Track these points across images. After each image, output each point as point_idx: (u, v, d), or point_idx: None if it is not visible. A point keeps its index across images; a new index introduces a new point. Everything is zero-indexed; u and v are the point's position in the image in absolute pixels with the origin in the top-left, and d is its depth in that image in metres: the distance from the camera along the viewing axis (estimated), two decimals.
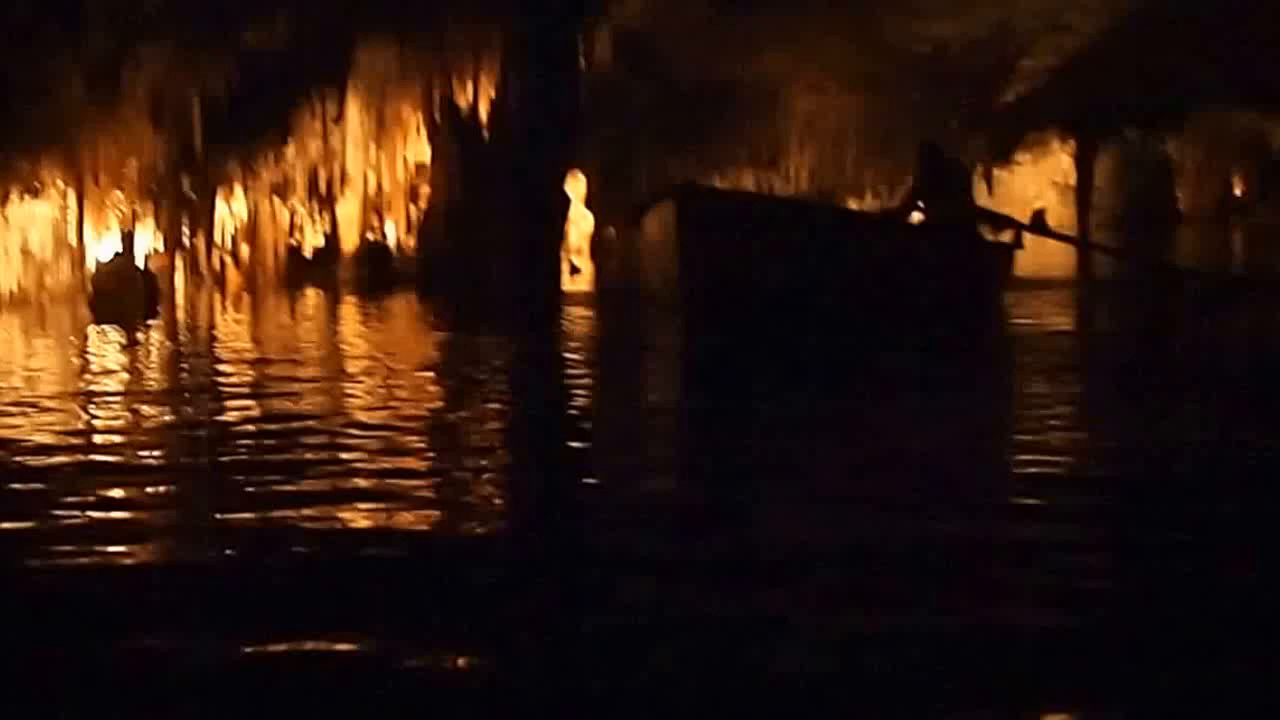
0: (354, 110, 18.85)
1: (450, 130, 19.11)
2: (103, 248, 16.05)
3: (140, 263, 16.42)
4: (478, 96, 19.08)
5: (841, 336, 9.19)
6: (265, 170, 18.30)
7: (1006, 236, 12.73)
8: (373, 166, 19.30)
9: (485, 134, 19.10)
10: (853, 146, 31.00)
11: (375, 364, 8.81)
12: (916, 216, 11.88)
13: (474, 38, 18.86)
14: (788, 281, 9.76)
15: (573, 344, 10.40)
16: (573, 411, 6.53)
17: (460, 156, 19.12)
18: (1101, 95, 30.58)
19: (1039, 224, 13.37)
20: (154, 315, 14.66)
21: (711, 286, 9.70)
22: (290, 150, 18.41)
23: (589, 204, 28.43)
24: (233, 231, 18.62)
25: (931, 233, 11.95)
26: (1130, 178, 35.61)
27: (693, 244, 9.72)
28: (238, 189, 18.08)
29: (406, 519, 3.84)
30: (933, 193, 11.99)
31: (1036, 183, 38.31)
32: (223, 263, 19.02)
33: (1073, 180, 36.13)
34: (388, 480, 4.38)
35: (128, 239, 16.07)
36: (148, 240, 16.84)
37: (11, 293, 15.80)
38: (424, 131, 19.25)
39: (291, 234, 20.04)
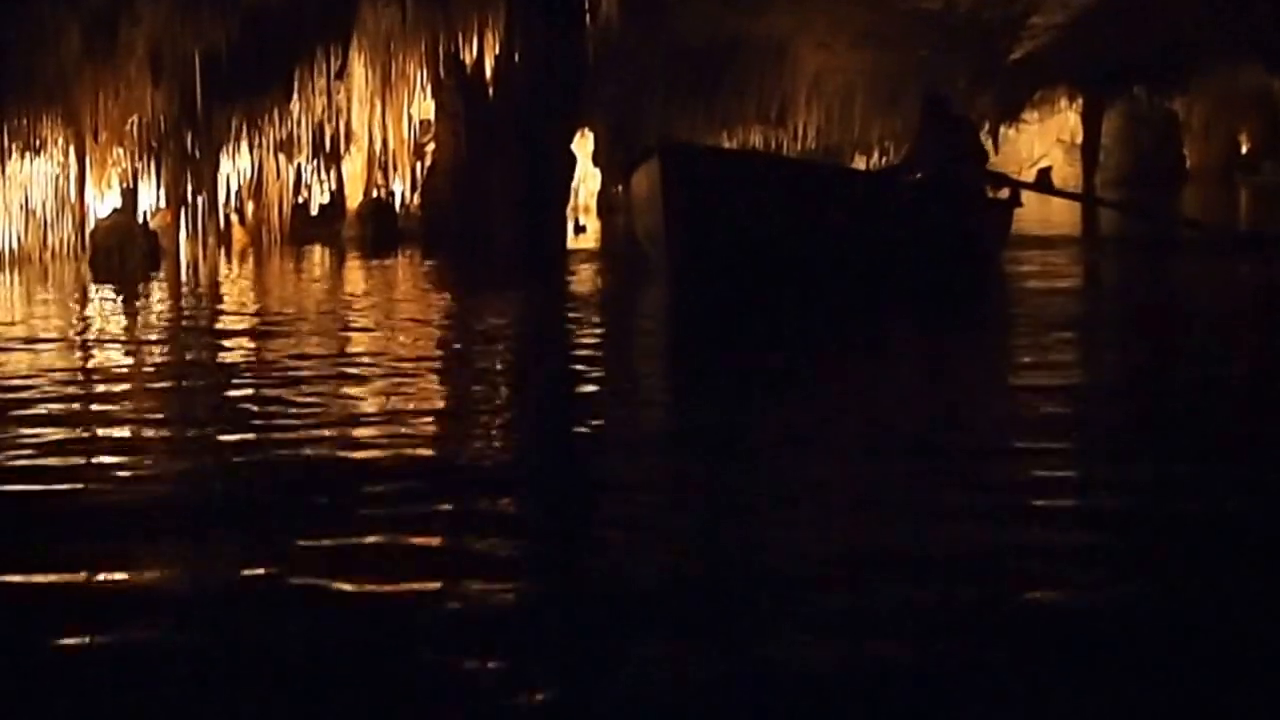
0: (358, 67, 18.50)
1: (455, 87, 18.74)
2: (105, 205, 15.74)
3: (143, 220, 16.14)
4: (483, 53, 18.71)
5: (830, 299, 8.87)
6: (269, 127, 17.96)
7: (1003, 194, 12.43)
8: (378, 124, 18.93)
9: (490, 91, 18.73)
10: (860, 104, 30.59)
11: (362, 320, 8.56)
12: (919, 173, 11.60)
13: None
14: (775, 242, 9.44)
15: (570, 303, 10.09)
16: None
17: (465, 114, 18.76)
18: (1109, 53, 30.16)
19: (1042, 182, 13.06)
20: (155, 272, 14.40)
21: (696, 248, 9.33)
22: (295, 107, 18.07)
23: (596, 162, 28.08)
24: (237, 189, 18.31)
25: (928, 190, 11.64)
26: (1137, 136, 35.26)
27: (676, 204, 9.30)
28: (242, 146, 17.73)
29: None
30: (936, 146, 11.66)
31: (1043, 141, 37.99)
32: (228, 220, 18.72)
33: (1079, 138, 35.77)
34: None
35: (128, 196, 15.74)
36: (150, 197, 16.52)
37: (13, 251, 15.51)
38: (429, 89, 18.88)
39: (298, 191, 19.74)
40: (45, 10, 14.04)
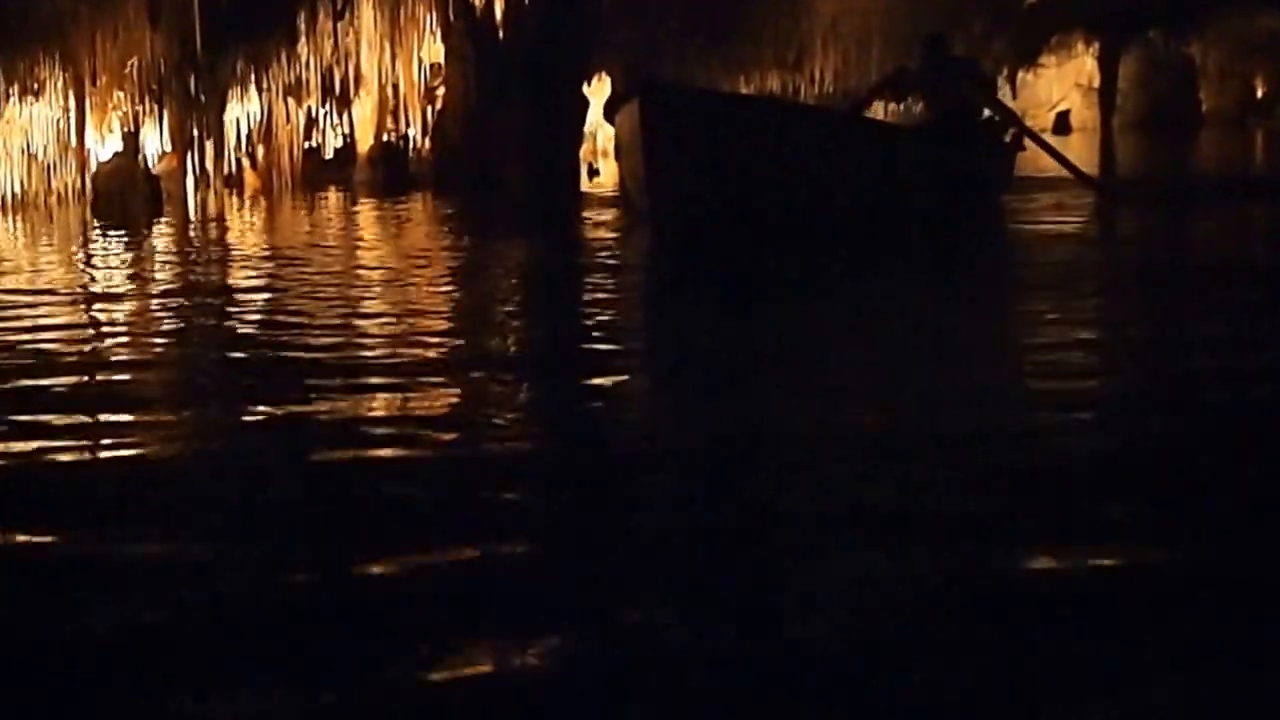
0: (367, 10, 17.89)
1: (464, 30, 18.12)
2: (106, 149, 15.21)
3: (153, 164, 15.63)
4: None
5: (824, 249, 8.16)
6: (278, 70, 17.39)
7: (1009, 136, 11.87)
8: (388, 67, 18.31)
9: (500, 34, 18.10)
10: (878, 47, 29.73)
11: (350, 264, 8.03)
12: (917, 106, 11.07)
13: None
14: (766, 188, 8.78)
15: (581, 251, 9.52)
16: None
17: (475, 57, 18.15)
18: None
19: (1035, 134, 12.44)
20: (159, 217, 13.93)
21: (679, 194, 8.53)
22: (303, 50, 17.49)
23: (607, 109, 27.34)
24: (247, 133, 17.77)
25: (928, 134, 11.06)
26: (1154, 80, 34.47)
27: (657, 149, 8.57)
28: (251, 90, 17.17)
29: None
30: (936, 87, 11.07)
31: (1061, 85, 37.24)
32: (239, 164, 18.22)
33: (1097, 82, 35.04)
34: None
35: (130, 140, 15.19)
36: (155, 142, 15.98)
37: (15, 195, 15.01)
38: (439, 32, 18.25)
39: (310, 136, 19.23)
40: None
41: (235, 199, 16.64)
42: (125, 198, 14.59)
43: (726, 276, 7.17)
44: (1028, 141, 11.94)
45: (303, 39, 17.47)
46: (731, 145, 8.55)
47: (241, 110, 17.40)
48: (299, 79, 17.64)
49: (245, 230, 12.09)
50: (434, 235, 11.11)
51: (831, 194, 9.01)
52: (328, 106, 18.56)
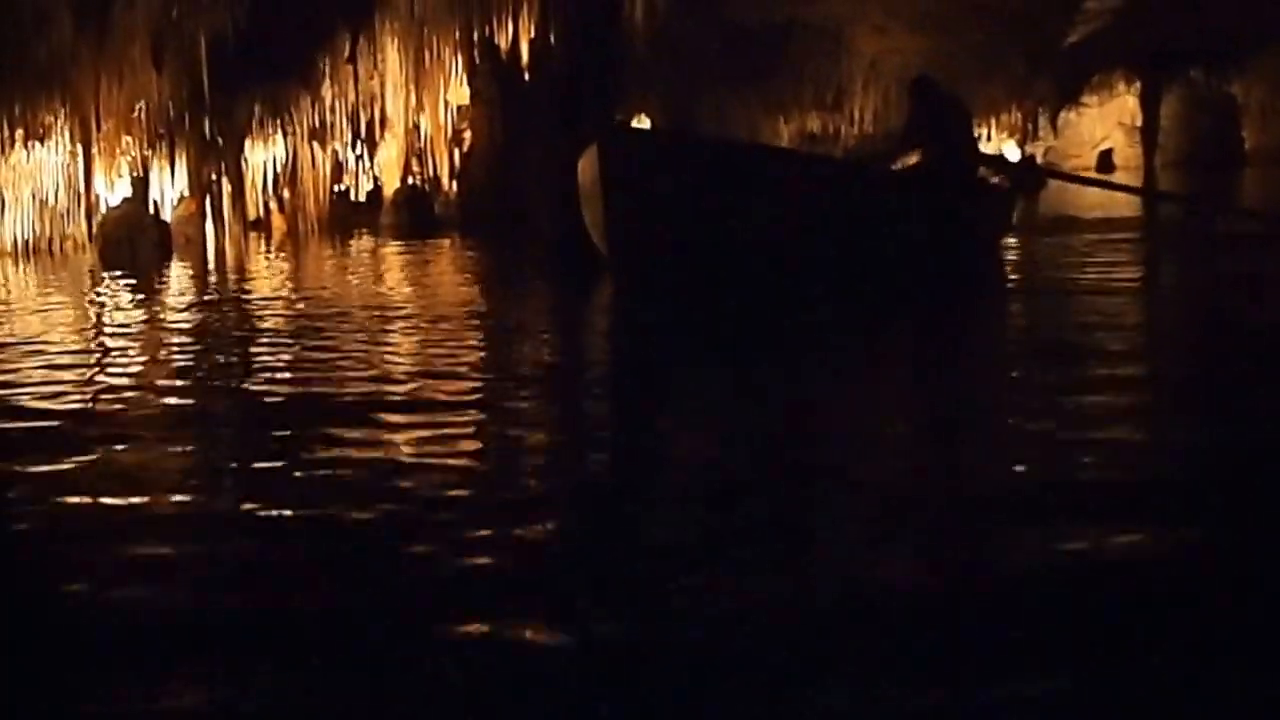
0: (392, 53, 16.97)
1: (490, 72, 17.19)
2: (116, 195, 14.30)
3: (164, 209, 14.73)
4: (518, 37, 17.12)
5: (800, 304, 7.07)
6: (301, 113, 16.49)
7: (1001, 180, 10.78)
8: (413, 109, 17.38)
9: (526, 75, 17.16)
10: None
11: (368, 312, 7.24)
12: (911, 159, 9.96)
13: None
14: (736, 240, 7.69)
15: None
16: None
17: (500, 99, 17.22)
18: (1165, 37, 28.04)
19: (1051, 169, 11.35)
20: (168, 263, 13.04)
21: (641, 247, 7.45)
22: (327, 93, 16.60)
23: None
24: (274, 176, 16.87)
25: (915, 179, 9.96)
26: (1196, 119, 33.15)
27: (617, 198, 7.53)
28: (275, 133, 16.26)
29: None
30: (927, 133, 9.97)
31: (1104, 124, 36.04)
32: (266, 208, 17.34)
33: (1139, 121, 33.82)
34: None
35: (138, 184, 14.27)
36: (171, 186, 15.06)
37: (26, 241, 14.14)
38: (465, 74, 17.33)
39: (339, 179, 18.36)
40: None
41: (261, 242, 15.75)
42: (134, 244, 13.69)
43: (687, 333, 6.21)
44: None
45: (326, 81, 16.57)
46: (697, 192, 7.49)
47: (265, 154, 16.50)
48: (323, 122, 16.73)
49: (256, 275, 11.16)
50: (442, 281, 10.16)
51: (812, 243, 7.94)
52: (357, 150, 17.68)
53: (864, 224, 8.29)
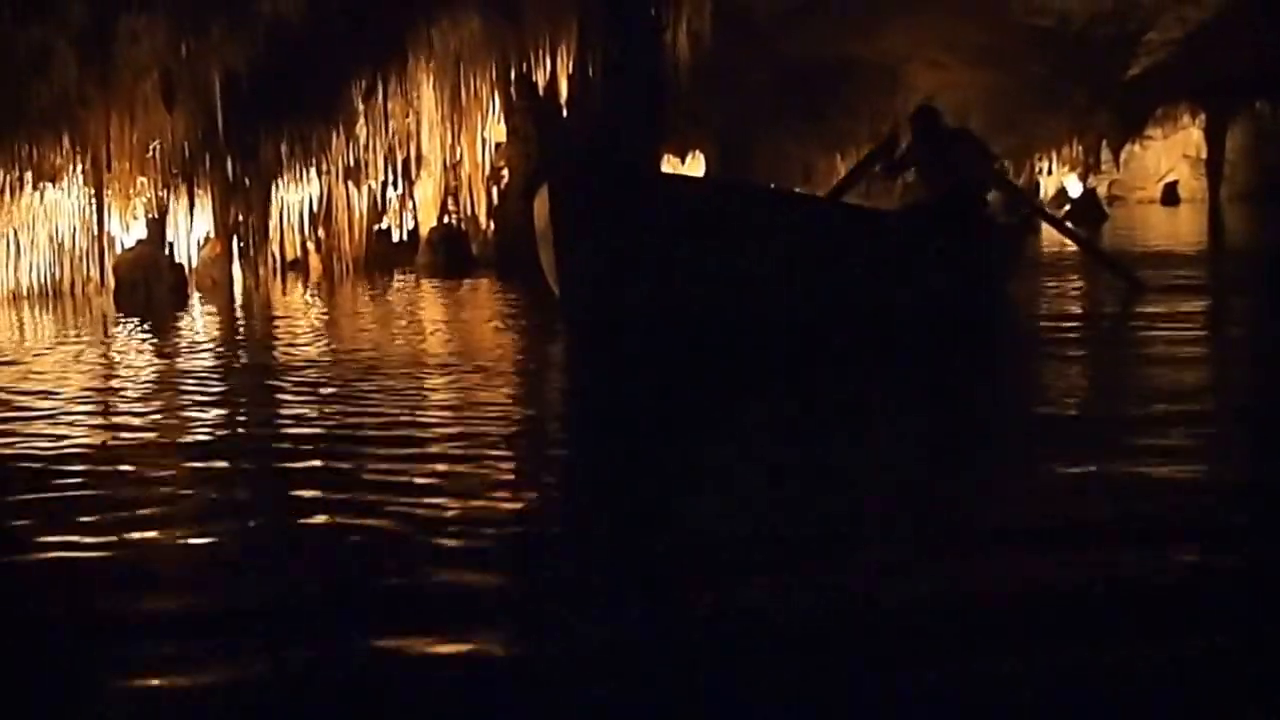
0: (427, 90, 16.03)
1: (526, 109, 16.22)
2: (131, 237, 13.42)
3: (179, 251, 13.84)
4: (555, 73, 16.13)
5: (771, 360, 6.14)
6: (335, 152, 15.57)
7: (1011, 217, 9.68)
8: (450, 147, 16.40)
9: (564, 112, 16.16)
10: (976, 123, 27.35)
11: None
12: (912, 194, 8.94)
13: (549, 7, 15.88)
14: (703, 290, 6.58)
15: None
16: None
17: (538, 136, 16.25)
18: (1228, 68, 26.60)
19: (1051, 217, 10.22)
20: (185, 307, 12.16)
21: (598, 298, 6.49)
22: (361, 131, 15.68)
23: None
24: (309, 216, 15.96)
25: (918, 216, 8.85)
26: (1262, 151, 31.65)
27: (571, 241, 6.49)
28: (301, 172, 15.33)
29: None
30: (932, 163, 8.86)
31: (1169, 157, 34.70)
32: (304, 249, 16.45)
33: (1205, 154, 32.40)
34: None
35: (153, 226, 13.37)
36: (190, 228, 14.15)
37: (41, 284, 13.31)
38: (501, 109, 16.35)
39: (380, 218, 17.45)
40: (35, 34, 11.68)
41: (298, 284, 14.87)
42: (149, 287, 12.81)
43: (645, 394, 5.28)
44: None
45: (360, 119, 15.66)
46: (663, 237, 6.43)
47: (296, 193, 15.59)
48: (358, 160, 15.81)
49: (272, 321, 10.24)
50: (460, 324, 9.20)
51: (790, 290, 6.87)
52: (398, 188, 16.75)
53: (859, 272, 7.24)
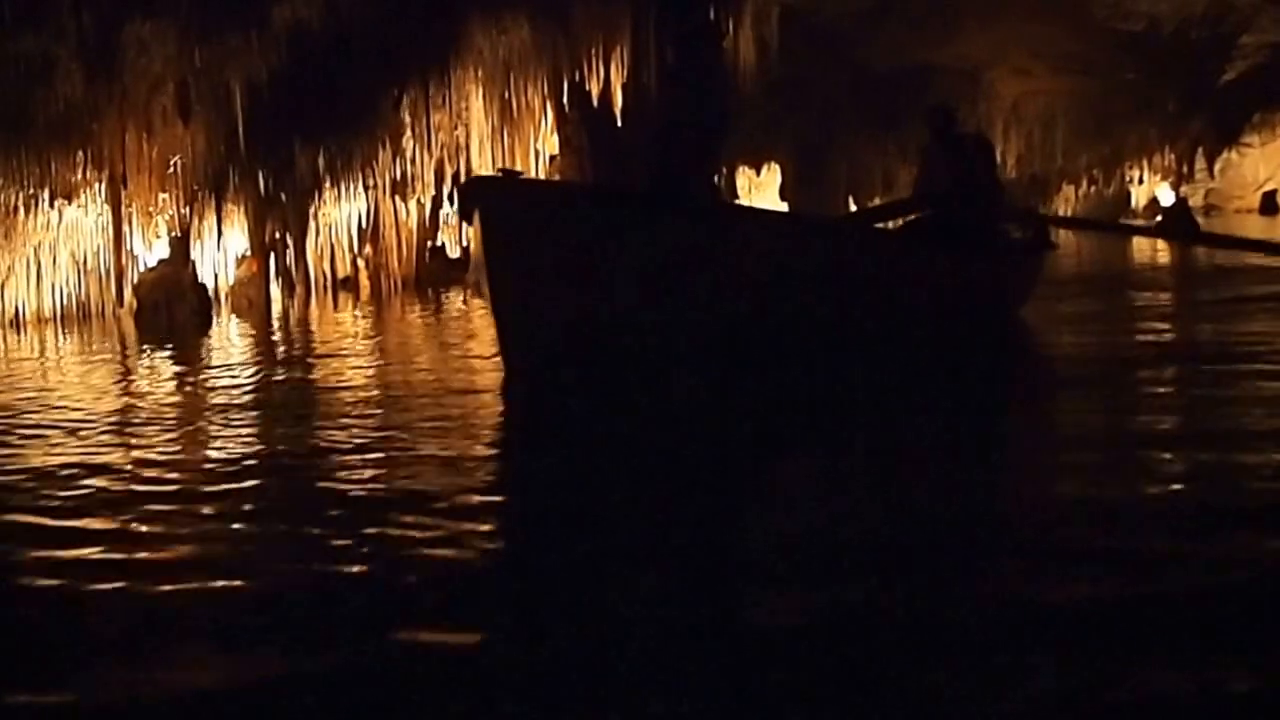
0: (475, 101, 15.05)
1: (579, 119, 15.18)
2: (154, 256, 12.54)
3: (210, 270, 12.96)
4: (609, 81, 15.09)
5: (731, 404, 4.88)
6: (384, 167, 14.64)
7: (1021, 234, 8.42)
8: (501, 160, 15.37)
9: (619, 121, 15.10)
10: (1064, 130, 25.97)
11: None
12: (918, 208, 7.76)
13: (602, 12, 14.84)
14: (650, 317, 5.38)
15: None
16: None
17: (590, 147, 15.21)
18: None
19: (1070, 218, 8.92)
20: (209, 329, 11.27)
21: (534, 327, 5.31)
22: (409, 144, 14.74)
23: (784, 195, 24.28)
24: (358, 232, 15.03)
25: (917, 234, 7.62)
26: None
27: (502, 263, 5.44)
28: (345, 188, 14.40)
29: None
30: (938, 165, 7.64)
31: (1267, 165, 32.90)
32: (355, 266, 15.56)
33: None
34: None
35: (176, 244, 12.46)
36: (216, 246, 13.27)
37: (63, 306, 12.49)
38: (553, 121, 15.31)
39: (434, 235, 16.51)
40: (32, 43, 10.79)
41: (349, 303, 13.91)
42: (171, 309, 11.93)
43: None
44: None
45: (407, 132, 14.72)
46: (610, 260, 5.32)
47: (346, 209, 14.67)
48: (405, 174, 14.85)
49: (303, 344, 9.26)
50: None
51: (761, 323, 5.72)
52: (452, 203, 15.77)
53: (842, 295, 6.08)
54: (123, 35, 11.21)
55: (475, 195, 5.48)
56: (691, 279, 5.54)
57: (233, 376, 6.73)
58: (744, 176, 24.23)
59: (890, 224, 8.54)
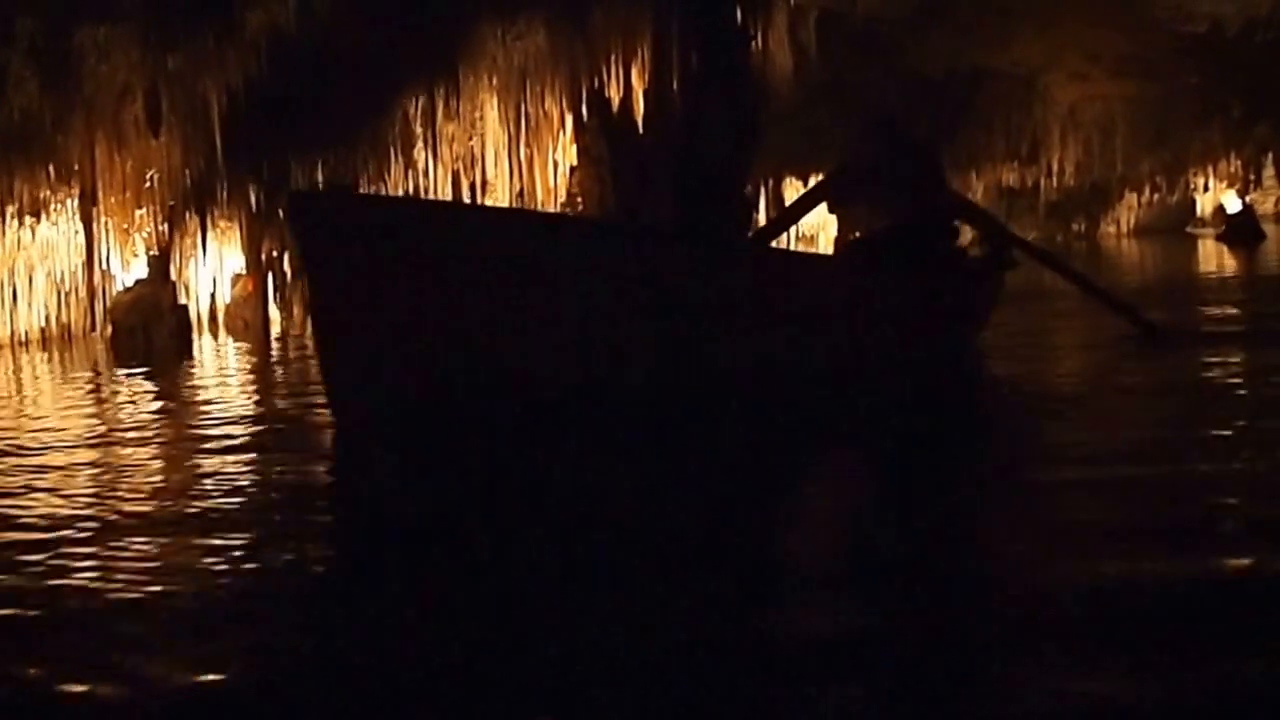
0: (490, 110, 14.00)
1: (599, 128, 14.08)
2: (132, 276, 11.56)
3: (193, 290, 11.98)
4: (629, 88, 13.99)
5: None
6: (394, 178, 13.64)
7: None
8: (516, 172, 14.31)
9: (641, 129, 14.00)
10: (1123, 136, 24.52)
11: None
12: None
13: (622, 16, 13.75)
14: (511, 356, 4.43)
15: None
16: None
17: (610, 158, 14.10)
18: None
19: (1038, 249, 7.65)
20: (189, 353, 10.31)
21: (356, 360, 4.31)
22: (420, 156, 13.72)
23: (832, 208, 23.00)
24: None
25: (859, 255, 6.57)
26: None
27: (317, 286, 4.37)
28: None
29: None
30: (891, 188, 6.49)
31: None
32: None
33: None
34: None
35: (154, 263, 11.47)
36: (202, 265, 12.28)
37: (41, 329, 11.56)
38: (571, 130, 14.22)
39: None
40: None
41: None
42: (149, 332, 10.96)
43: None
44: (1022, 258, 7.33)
45: (419, 143, 13.70)
46: (434, 284, 4.29)
47: None
48: (417, 187, 13.83)
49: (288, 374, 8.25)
50: None
51: (624, 356, 4.67)
52: None
53: (759, 330, 5.07)
54: (77, 40, 10.21)
55: (298, 213, 4.44)
56: (573, 313, 4.51)
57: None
58: (791, 188, 23.03)
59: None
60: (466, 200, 14.10)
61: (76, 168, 10.73)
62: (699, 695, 1.88)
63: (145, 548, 3.03)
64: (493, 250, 4.40)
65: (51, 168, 10.60)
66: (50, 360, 10.11)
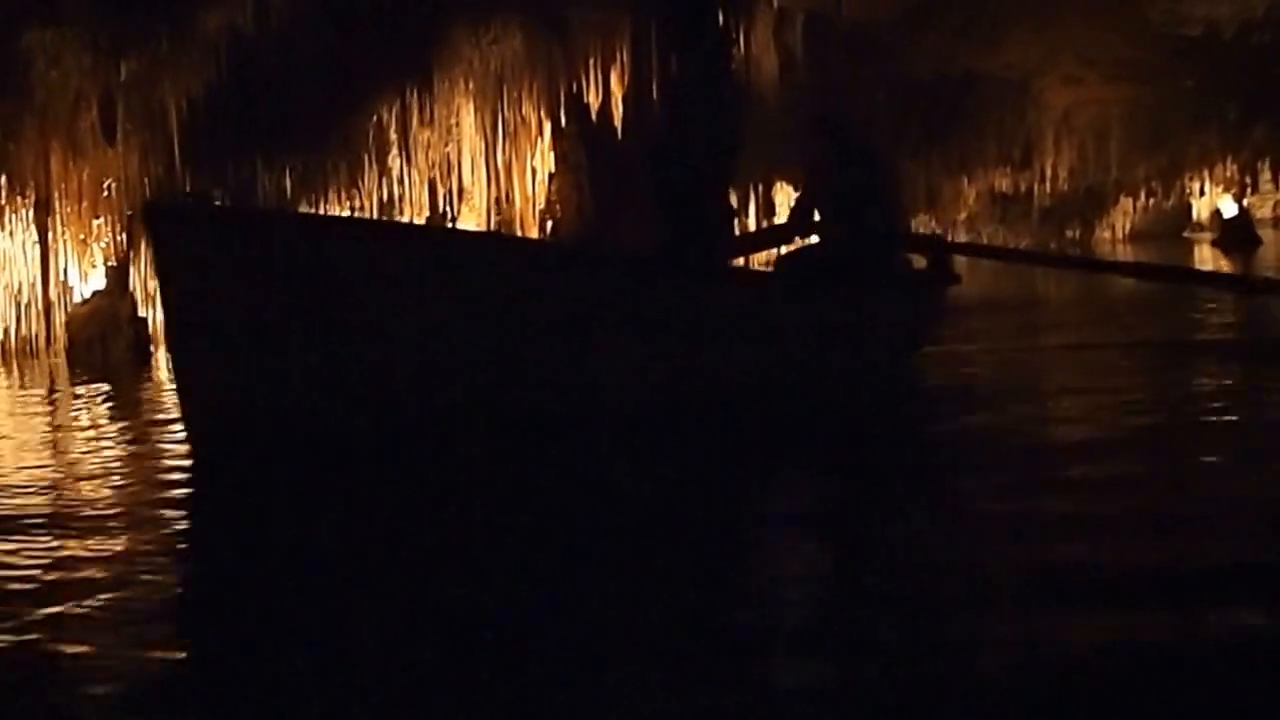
0: (466, 115, 13.62)
1: (577, 134, 13.69)
2: (90, 287, 11.19)
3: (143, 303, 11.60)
4: (608, 94, 13.60)
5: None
6: (368, 186, 13.26)
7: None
8: (493, 179, 13.93)
9: (620, 135, 13.62)
10: (1118, 141, 24.07)
11: None
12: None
13: (600, 19, 13.37)
14: (357, 378, 4.09)
15: None
16: None
17: (588, 165, 13.72)
18: None
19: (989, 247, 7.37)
20: (146, 366, 10.01)
21: (210, 386, 3.97)
22: (395, 164, 13.35)
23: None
24: None
25: (788, 271, 6.30)
26: None
27: (174, 306, 3.99)
28: (334, 209, 13.02)
29: None
30: (843, 189, 6.20)
31: None
32: None
33: None
34: None
35: (113, 274, 11.08)
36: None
37: (0, 343, 11.18)
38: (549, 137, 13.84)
39: None
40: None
41: None
42: (106, 345, 10.60)
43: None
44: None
45: (394, 150, 13.32)
46: (309, 309, 4.00)
47: None
48: (391, 196, 13.45)
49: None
50: None
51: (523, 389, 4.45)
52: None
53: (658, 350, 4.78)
54: (24, 43, 9.84)
55: (151, 225, 4.12)
56: (450, 330, 4.22)
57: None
58: (782, 192, 22.64)
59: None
60: (442, 209, 13.75)
61: (30, 178, 10.31)
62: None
63: None
64: (352, 262, 4.08)
65: (4, 178, 10.17)
66: (9, 375, 9.79)
